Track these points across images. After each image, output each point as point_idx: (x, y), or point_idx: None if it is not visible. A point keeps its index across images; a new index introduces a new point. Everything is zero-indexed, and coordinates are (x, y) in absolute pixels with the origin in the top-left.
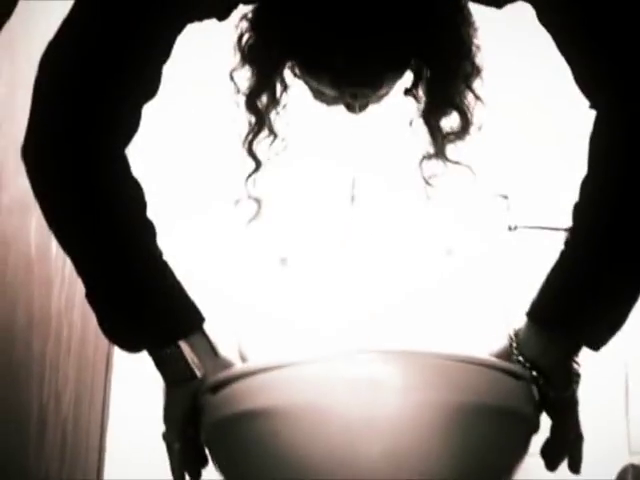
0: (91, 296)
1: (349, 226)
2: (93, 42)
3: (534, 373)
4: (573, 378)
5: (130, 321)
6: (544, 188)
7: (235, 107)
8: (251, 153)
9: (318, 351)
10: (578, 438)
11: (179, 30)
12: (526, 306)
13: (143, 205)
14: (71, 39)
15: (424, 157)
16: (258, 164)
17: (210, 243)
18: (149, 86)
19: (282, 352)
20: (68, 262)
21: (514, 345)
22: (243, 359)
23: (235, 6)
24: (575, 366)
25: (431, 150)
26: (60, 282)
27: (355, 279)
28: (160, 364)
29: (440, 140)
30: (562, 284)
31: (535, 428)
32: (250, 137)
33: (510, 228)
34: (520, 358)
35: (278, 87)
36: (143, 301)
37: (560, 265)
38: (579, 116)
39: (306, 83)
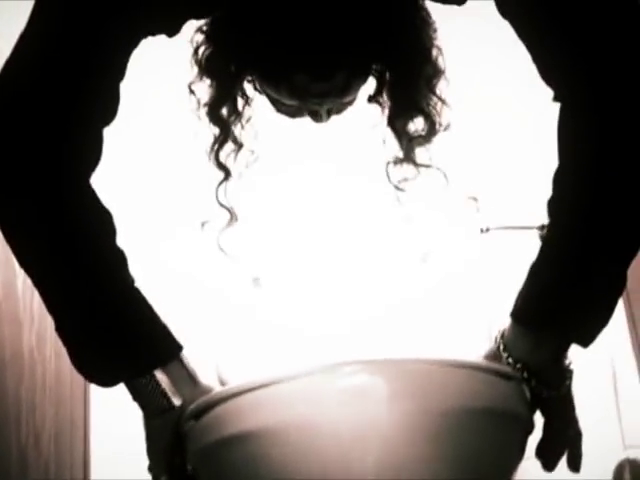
0: (61, 330)
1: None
2: (47, 65)
3: (525, 374)
4: (565, 375)
5: (102, 354)
6: (513, 188)
7: (197, 120)
8: (218, 163)
9: (301, 366)
10: (577, 435)
11: (132, 47)
12: (506, 306)
13: (112, 232)
14: (24, 63)
15: (391, 162)
16: (227, 173)
17: (181, 266)
18: (108, 107)
19: (262, 371)
20: (36, 298)
21: (501, 347)
22: (222, 382)
23: (185, 21)
24: (566, 362)
25: (400, 154)
26: (30, 319)
27: (333, 292)
28: (136, 395)
29: (407, 144)
30: (544, 282)
31: (530, 428)
32: (216, 148)
33: (482, 230)
34: (509, 360)
35: (239, 99)
36: (115, 332)
37: (540, 262)
38: (547, 113)
39: (267, 96)
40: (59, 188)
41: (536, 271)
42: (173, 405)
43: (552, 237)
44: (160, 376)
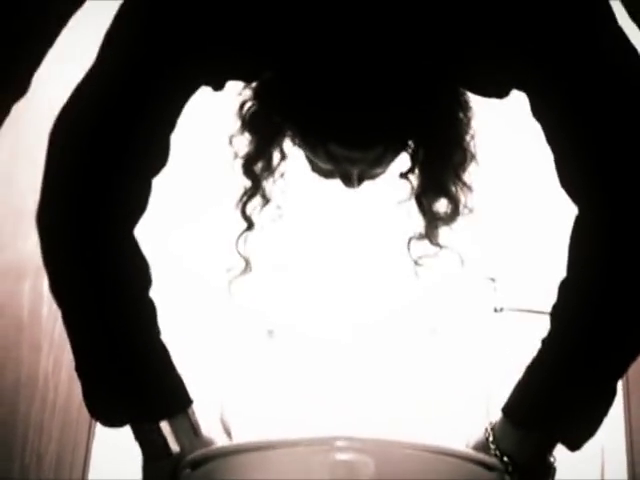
0: (80, 369)
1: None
2: (101, 117)
3: (509, 467)
4: (548, 472)
5: (115, 396)
6: (531, 271)
7: (231, 170)
8: (244, 215)
9: (298, 433)
10: None
11: (185, 100)
12: (508, 391)
13: (147, 283)
14: (79, 114)
15: (413, 237)
16: (250, 225)
17: (196, 312)
18: (159, 157)
19: (264, 426)
20: (58, 326)
21: (490, 438)
22: (226, 429)
23: (232, 80)
24: (551, 459)
25: (422, 231)
26: (49, 345)
27: (341, 354)
28: (137, 436)
29: (431, 222)
30: (538, 385)
31: None
32: (244, 200)
33: (496, 310)
34: (497, 452)
35: (276, 156)
36: (131, 379)
37: (536, 365)
38: (567, 201)
39: (304, 154)
40: (103, 234)
41: (531, 372)
42: (170, 453)
43: (551, 342)
44: (163, 425)
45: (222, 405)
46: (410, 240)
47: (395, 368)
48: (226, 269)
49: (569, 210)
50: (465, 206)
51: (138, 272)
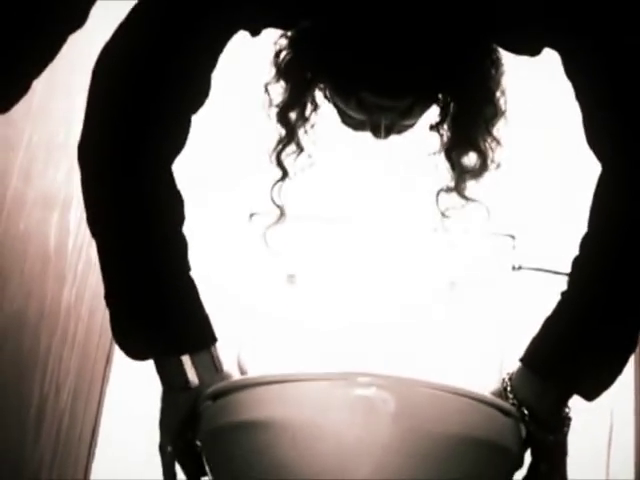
0: (110, 298)
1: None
2: (145, 53)
3: (526, 417)
4: (565, 422)
5: (142, 329)
6: (551, 231)
7: (267, 118)
8: (279, 163)
9: (319, 369)
10: None
11: (225, 40)
12: (522, 348)
13: (181, 219)
14: (123, 50)
15: (442, 190)
16: (285, 173)
17: (219, 255)
18: (198, 95)
19: (281, 367)
20: (82, 259)
21: (508, 389)
22: (242, 371)
23: (269, 27)
24: (566, 410)
25: (450, 184)
26: (72, 278)
27: (361, 301)
28: (159, 369)
29: (459, 176)
30: (558, 334)
31: (518, 465)
32: (279, 148)
33: (514, 268)
34: (514, 402)
35: (309, 105)
36: (159, 312)
37: (556, 316)
38: (591, 164)
39: (335, 105)
40: (142, 168)
41: (551, 322)
42: (190, 386)
43: (572, 294)
44: (185, 359)
45: (239, 348)
46: (439, 192)
47: (415, 318)
48: (250, 215)
49: (589, 174)
50: (493, 161)
51: (173, 207)
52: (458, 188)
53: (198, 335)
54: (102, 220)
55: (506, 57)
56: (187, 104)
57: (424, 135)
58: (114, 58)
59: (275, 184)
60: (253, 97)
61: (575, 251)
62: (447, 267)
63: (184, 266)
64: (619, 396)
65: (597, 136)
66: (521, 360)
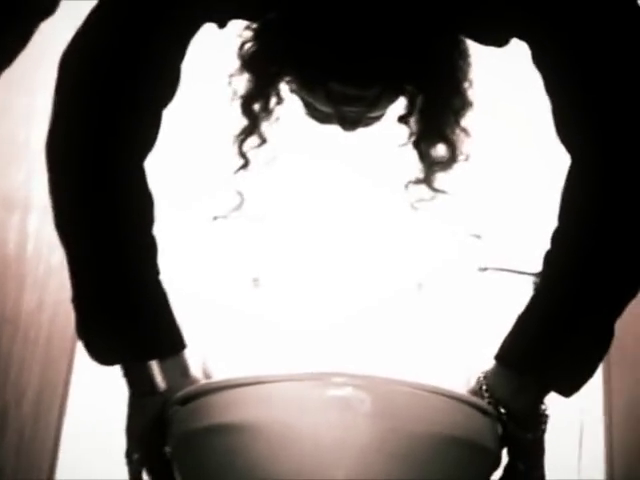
0: (78, 301)
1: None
2: (112, 46)
3: (503, 415)
4: (541, 419)
5: (112, 333)
6: (517, 232)
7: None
8: (240, 151)
9: (293, 370)
10: (541, 478)
11: (191, 32)
12: (490, 348)
13: (151, 220)
14: (90, 43)
15: (411, 182)
16: (246, 162)
17: (181, 260)
18: (167, 89)
19: (252, 371)
20: (42, 263)
21: (484, 387)
22: (207, 377)
23: (236, 18)
24: (542, 407)
25: (419, 176)
26: (32, 283)
27: (327, 303)
28: (126, 373)
29: (429, 168)
30: (533, 329)
31: (496, 464)
32: (241, 137)
33: (480, 269)
34: (490, 400)
35: (273, 98)
36: (127, 316)
37: (529, 311)
38: (558, 163)
39: (301, 99)
40: (112, 166)
41: (525, 318)
42: (158, 391)
43: (545, 288)
44: (153, 363)
45: (205, 353)
46: (407, 184)
47: (382, 320)
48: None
49: (556, 173)
50: (462, 152)
51: (144, 207)
52: (427, 180)
53: (167, 341)
54: (70, 219)
55: (473, 48)
56: (157, 96)
57: (392, 130)
58: (82, 51)
59: (236, 172)
60: (218, 99)
61: (542, 251)
62: (414, 268)
63: (153, 269)
64: (588, 394)
65: (567, 129)
66: (496, 357)
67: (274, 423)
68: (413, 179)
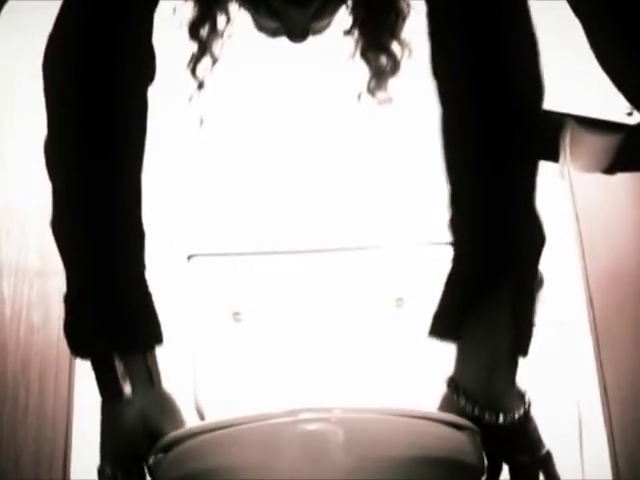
0: (67, 293)
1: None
2: (88, 33)
3: (476, 409)
4: (519, 399)
5: (91, 321)
6: None
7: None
8: (194, 75)
9: (262, 410)
10: (547, 455)
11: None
12: None
13: (139, 214)
14: (66, 36)
15: (363, 92)
16: (201, 84)
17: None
18: (145, 65)
19: (236, 406)
20: (23, 326)
21: (451, 386)
22: (199, 414)
23: None
24: (519, 389)
25: (371, 84)
26: (15, 345)
27: (308, 328)
28: (96, 374)
29: (376, 74)
30: (448, 295)
31: (479, 476)
32: (193, 61)
33: None
34: (459, 393)
35: (222, 18)
36: (110, 304)
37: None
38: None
39: (250, 14)
40: (107, 158)
41: (444, 293)
42: (122, 394)
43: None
44: (119, 365)
45: (195, 390)
46: (360, 95)
47: (362, 339)
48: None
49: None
50: (402, 61)
51: (135, 197)
52: (378, 86)
53: (142, 332)
54: (66, 212)
55: None
56: (139, 77)
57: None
58: (62, 48)
59: (193, 94)
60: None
61: None
62: (393, 283)
63: (140, 263)
64: (584, 387)
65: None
66: (429, 333)
67: (251, 465)
68: (364, 88)
